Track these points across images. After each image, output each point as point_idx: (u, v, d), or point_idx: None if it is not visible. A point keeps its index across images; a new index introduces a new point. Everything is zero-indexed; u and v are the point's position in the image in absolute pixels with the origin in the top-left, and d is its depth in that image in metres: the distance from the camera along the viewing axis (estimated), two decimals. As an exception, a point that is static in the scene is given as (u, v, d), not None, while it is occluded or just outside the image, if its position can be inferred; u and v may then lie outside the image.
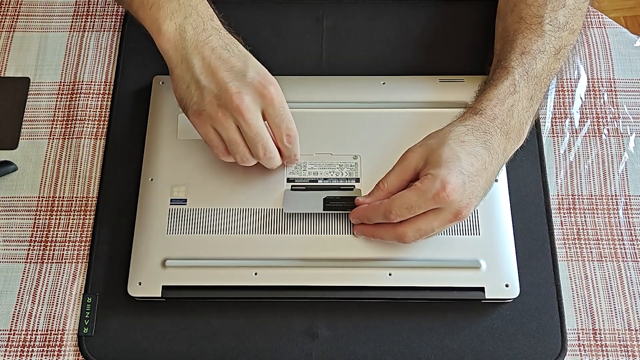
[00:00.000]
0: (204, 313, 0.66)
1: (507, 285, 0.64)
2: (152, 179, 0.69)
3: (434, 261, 0.65)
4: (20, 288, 0.68)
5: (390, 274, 0.64)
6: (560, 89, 0.76)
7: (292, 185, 0.68)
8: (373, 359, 0.64)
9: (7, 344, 0.66)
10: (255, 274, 0.65)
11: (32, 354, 0.66)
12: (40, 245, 0.70)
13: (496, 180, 0.68)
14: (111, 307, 0.67)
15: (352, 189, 0.68)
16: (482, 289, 0.64)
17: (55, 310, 0.67)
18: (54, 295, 0.68)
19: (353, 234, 0.65)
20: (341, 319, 0.66)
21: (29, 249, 0.70)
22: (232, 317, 0.66)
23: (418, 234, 0.61)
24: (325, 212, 0.66)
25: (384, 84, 0.72)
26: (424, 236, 0.61)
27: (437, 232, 0.62)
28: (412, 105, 0.71)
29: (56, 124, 0.75)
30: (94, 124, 0.75)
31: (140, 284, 0.65)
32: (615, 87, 0.76)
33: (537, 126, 0.74)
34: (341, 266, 0.65)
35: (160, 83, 0.73)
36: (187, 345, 0.65)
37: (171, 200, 0.67)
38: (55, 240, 0.70)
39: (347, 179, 0.68)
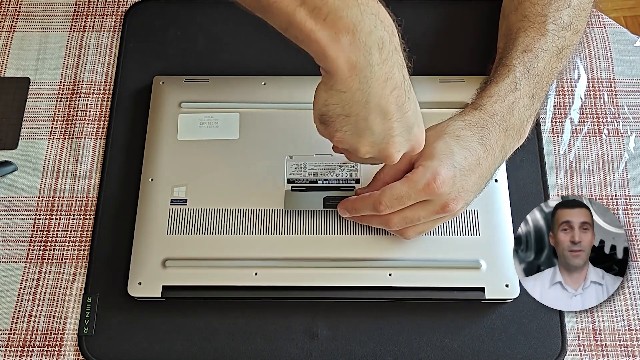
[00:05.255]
0: (204, 313, 0.66)
1: (507, 286, 0.64)
2: (152, 179, 0.69)
3: (434, 261, 0.65)
4: (20, 288, 0.68)
5: (390, 274, 0.64)
6: (560, 89, 0.76)
7: (292, 186, 0.68)
8: (373, 359, 0.65)
9: (7, 344, 0.66)
10: (256, 274, 0.65)
11: (32, 354, 0.66)
12: (40, 245, 0.70)
13: (496, 180, 0.68)
14: (111, 307, 0.67)
15: (353, 190, 0.68)
16: (482, 289, 0.64)
17: (55, 310, 0.67)
18: (54, 295, 0.68)
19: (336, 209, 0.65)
20: (341, 319, 0.66)
21: (29, 249, 0.70)
22: (232, 317, 0.66)
23: (404, 221, 0.61)
24: (325, 209, 0.66)
25: None
26: (409, 224, 0.61)
27: (425, 225, 0.62)
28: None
29: (56, 124, 0.75)
30: (94, 124, 0.75)
31: (140, 284, 0.65)
32: (615, 87, 0.76)
33: (537, 126, 0.74)
34: (341, 266, 0.65)
35: (161, 83, 0.73)
36: (187, 345, 0.65)
37: (171, 200, 0.67)
38: (55, 240, 0.70)
39: (347, 179, 0.68)
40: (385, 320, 0.66)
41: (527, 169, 0.72)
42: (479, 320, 0.66)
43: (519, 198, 0.70)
